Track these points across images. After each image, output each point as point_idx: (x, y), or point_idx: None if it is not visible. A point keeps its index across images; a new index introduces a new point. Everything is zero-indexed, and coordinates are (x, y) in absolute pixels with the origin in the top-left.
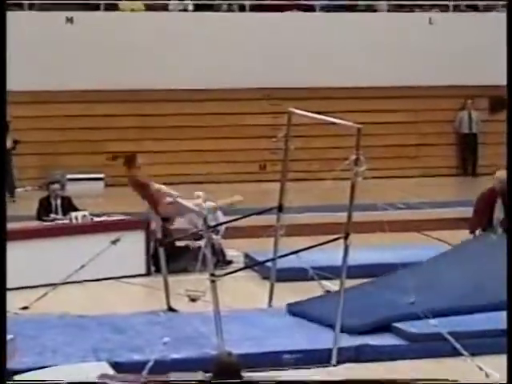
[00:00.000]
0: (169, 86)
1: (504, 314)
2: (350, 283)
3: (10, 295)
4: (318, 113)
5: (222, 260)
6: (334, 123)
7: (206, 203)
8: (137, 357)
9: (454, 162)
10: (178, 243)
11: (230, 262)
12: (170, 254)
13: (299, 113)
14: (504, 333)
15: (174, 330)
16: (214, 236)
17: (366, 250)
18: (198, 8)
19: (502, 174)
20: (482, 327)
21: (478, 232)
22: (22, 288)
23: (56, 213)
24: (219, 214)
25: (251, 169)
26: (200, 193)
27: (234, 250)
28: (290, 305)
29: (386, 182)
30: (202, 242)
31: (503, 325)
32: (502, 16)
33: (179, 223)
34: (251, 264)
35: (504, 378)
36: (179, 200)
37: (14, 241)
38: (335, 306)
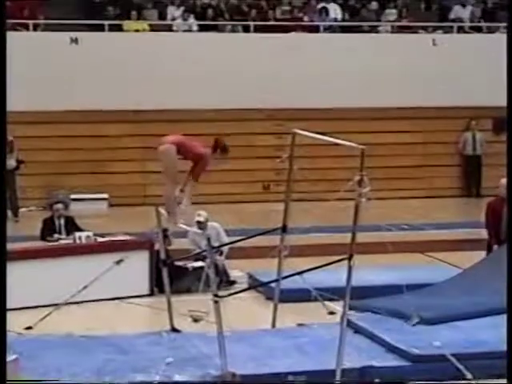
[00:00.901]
0: (173, 107)
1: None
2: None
3: (13, 315)
4: (322, 133)
5: (225, 280)
6: (337, 144)
7: (209, 224)
8: (140, 377)
9: (458, 183)
10: (178, 263)
11: (233, 283)
12: (173, 275)
13: (303, 133)
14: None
15: (177, 351)
16: (218, 257)
17: (370, 271)
18: (203, 28)
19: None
20: (485, 349)
21: (495, 247)
22: (26, 308)
23: (59, 233)
24: (222, 234)
25: (255, 189)
26: (202, 212)
27: (238, 271)
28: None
29: (390, 203)
30: (201, 263)
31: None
32: (505, 37)
33: (182, 244)
34: (255, 285)
35: None
36: None
37: (17, 261)
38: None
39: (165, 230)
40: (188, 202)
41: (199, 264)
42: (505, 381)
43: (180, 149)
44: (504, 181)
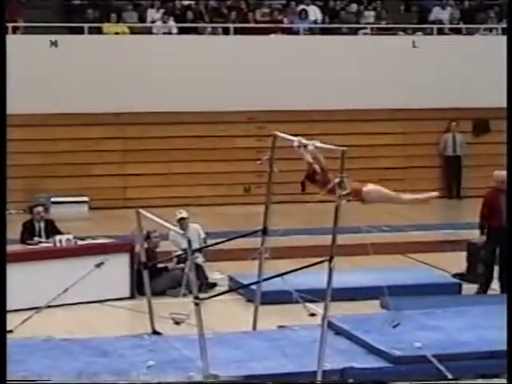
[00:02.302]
0: (153, 109)
1: (490, 337)
2: (334, 306)
3: None
4: (303, 135)
5: (205, 283)
6: (317, 146)
7: (190, 225)
8: (122, 380)
9: (439, 185)
10: (159, 265)
11: (213, 285)
12: (153, 276)
13: (283, 136)
14: (490, 355)
15: (158, 353)
16: (199, 258)
17: (351, 273)
18: (182, 31)
19: (499, 173)
20: (467, 349)
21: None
22: (6, 311)
23: (40, 236)
24: (203, 235)
25: (236, 191)
26: (182, 211)
27: (219, 273)
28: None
29: (370, 204)
30: (182, 264)
31: (489, 347)
32: (485, 39)
33: (164, 246)
34: (236, 287)
35: None
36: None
37: None
38: None
39: (148, 232)
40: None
41: (180, 265)
42: (498, 380)
43: None
44: (497, 172)
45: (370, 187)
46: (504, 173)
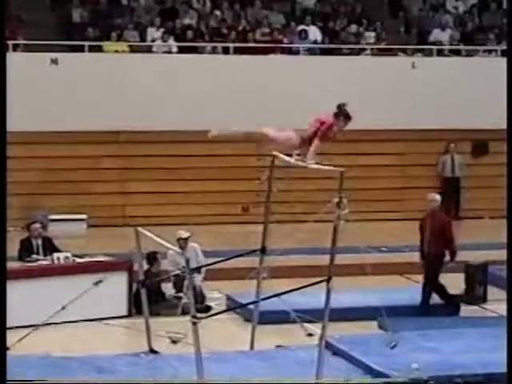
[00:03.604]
0: (153, 128)
1: (487, 359)
2: (332, 326)
3: None
4: (302, 155)
5: (200, 301)
6: (316, 167)
7: (189, 244)
8: None
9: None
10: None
11: (209, 308)
12: (151, 297)
13: (283, 156)
14: (487, 377)
15: (155, 372)
16: (196, 276)
17: (349, 293)
18: (182, 50)
19: (431, 194)
20: (464, 371)
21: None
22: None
23: (37, 253)
24: (200, 254)
25: (234, 211)
26: (182, 231)
27: (217, 292)
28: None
29: (368, 225)
30: (180, 294)
31: (486, 369)
32: (484, 61)
33: (162, 265)
34: (233, 306)
35: None
36: None
37: None
38: None
39: (154, 253)
40: (312, 158)
41: (178, 294)
42: None
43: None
44: (431, 196)
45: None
46: (434, 194)
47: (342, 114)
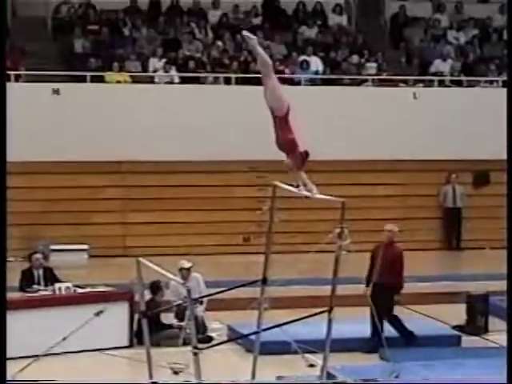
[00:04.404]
0: (155, 158)
1: None
2: (333, 357)
3: None
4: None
5: (202, 331)
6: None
7: (192, 274)
8: None
9: (439, 236)
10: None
11: (211, 339)
12: (153, 328)
13: (283, 186)
14: None
15: None
16: (199, 307)
17: (350, 324)
18: (184, 80)
19: (388, 225)
20: None
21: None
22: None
23: (38, 284)
24: (202, 285)
25: (236, 241)
26: (185, 262)
27: (218, 323)
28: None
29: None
30: (182, 323)
31: None
32: (486, 91)
33: (165, 295)
34: (235, 337)
35: None
36: None
37: None
38: None
39: (156, 282)
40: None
41: (181, 323)
42: None
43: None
44: (388, 226)
45: None
46: (391, 225)
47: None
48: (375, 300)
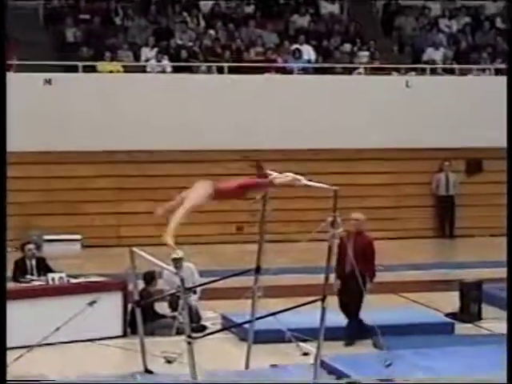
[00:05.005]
0: (147, 147)
1: (483, 377)
2: (327, 345)
3: None
4: (296, 174)
5: (196, 321)
6: (310, 186)
7: (184, 264)
8: None
9: (432, 224)
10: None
11: (204, 328)
12: (146, 317)
13: (277, 175)
14: None
15: None
16: (192, 297)
17: None
18: (176, 70)
19: (356, 214)
20: None
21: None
22: None
23: (31, 274)
24: (196, 274)
25: (229, 230)
26: (178, 251)
27: (212, 312)
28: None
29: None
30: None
31: None
32: (478, 79)
33: (158, 284)
34: (228, 326)
35: None
36: None
37: None
38: None
39: (150, 273)
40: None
41: (174, 313)
42: None
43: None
44: (355, 215)
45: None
46: (358, 214)
47: (260, 171)
48: (348, 290)
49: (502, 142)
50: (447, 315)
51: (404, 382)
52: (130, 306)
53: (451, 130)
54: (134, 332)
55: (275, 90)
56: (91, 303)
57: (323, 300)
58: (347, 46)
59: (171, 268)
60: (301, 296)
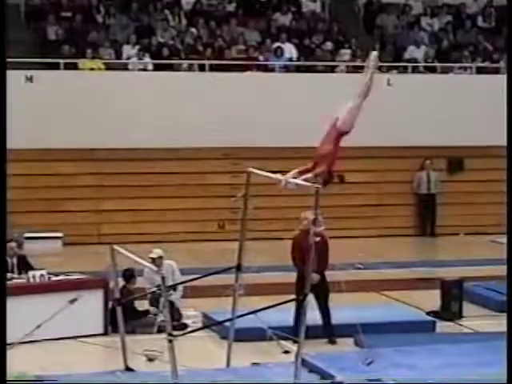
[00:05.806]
0: (128, 145)
1: (464, 375)
2: (308, 343)
3: None
4: (278, 172)
5: (177, 318)
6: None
7: (165, 261)
8: None
9: (413, 223)
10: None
11: (185, 326)
12: (127, 315)
13: (258, 172)
14: None
15: None
16: (173, 293)
17: None
18: (158, 67)
19: (305, 213)
20: None
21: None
22: None
23: (12, 272)
24: (177, 272)
25: (210, 228)
26: (157, 249)
27: (193, 310)
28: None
29: (345, 241)
30: (156, 309)
31: None
32: (459, 78)
33: (139, 282)
34: (209, 324)
35: None
36: None
37: None
38: None
39: (129, 270)
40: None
41: (154, 311)
42: None
43: None
44: (305, 214)
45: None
46: (308, 213)
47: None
48: (315, 288)
49: (484, 141)
50: (428, 313)
51: (392, 383)
52: (110, 304)
53: (433, 129)
54: (116, 330)
55: (257, 88)
56: (72, 301)
57: (304, 298)
58: (329, 44)
59: (152, 266)
60: (282, 294)
